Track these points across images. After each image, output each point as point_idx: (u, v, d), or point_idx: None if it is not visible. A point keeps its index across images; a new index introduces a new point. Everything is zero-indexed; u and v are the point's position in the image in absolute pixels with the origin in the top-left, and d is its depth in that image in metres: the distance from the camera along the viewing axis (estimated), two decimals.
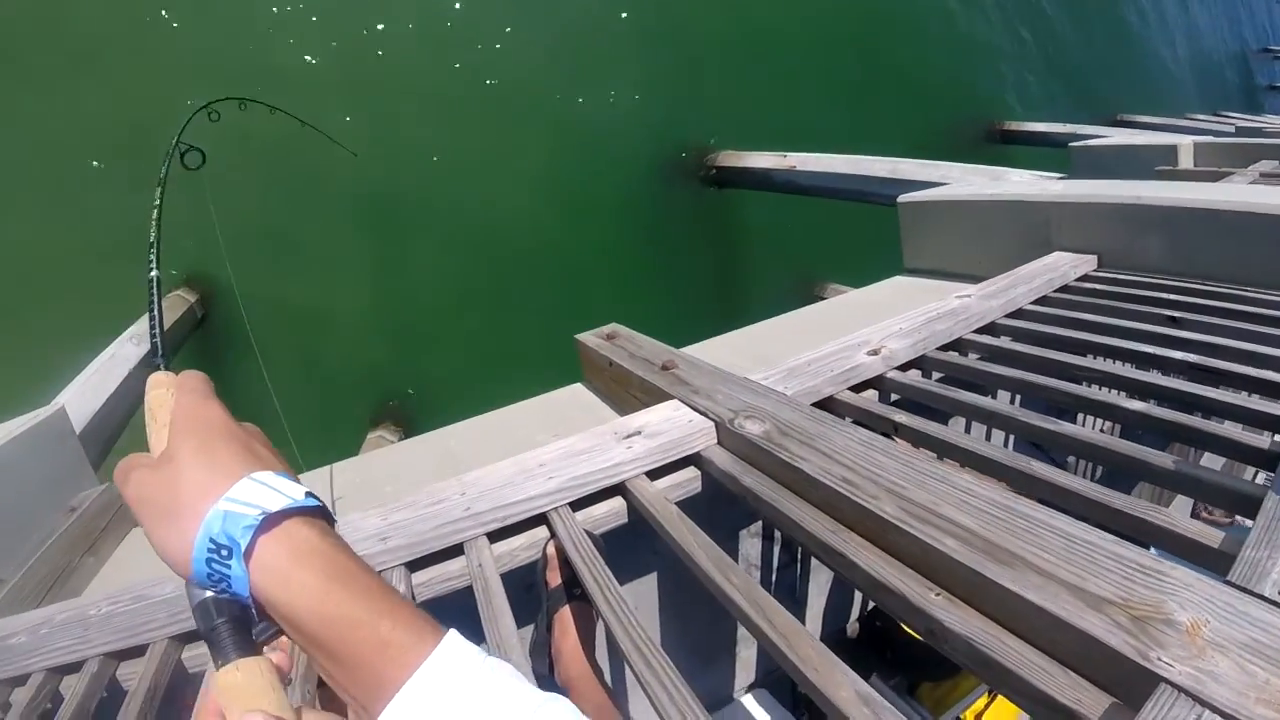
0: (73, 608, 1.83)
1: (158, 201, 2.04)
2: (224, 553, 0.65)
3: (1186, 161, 5.73)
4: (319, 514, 0.72)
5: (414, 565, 1.77)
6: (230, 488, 0.68)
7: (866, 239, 7.82)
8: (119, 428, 4.27)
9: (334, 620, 0.64)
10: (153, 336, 1.13)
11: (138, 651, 1.69)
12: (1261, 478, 1.63)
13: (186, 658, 1.69)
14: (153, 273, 1.40)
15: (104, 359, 4.50)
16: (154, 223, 1.93)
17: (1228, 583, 1.14)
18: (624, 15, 7.72)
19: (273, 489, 0.69)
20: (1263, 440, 1.65)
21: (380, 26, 6.51)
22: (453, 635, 0.67)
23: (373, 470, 2.87)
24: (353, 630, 0.64)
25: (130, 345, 4.75)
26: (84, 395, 3.98)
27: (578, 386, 3.30)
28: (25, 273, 5.76)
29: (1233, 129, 9.21)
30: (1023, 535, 1.26)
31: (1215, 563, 1.22)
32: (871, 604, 2.62)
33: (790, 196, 7.46)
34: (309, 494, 0.71)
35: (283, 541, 0.66)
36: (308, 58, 6.29)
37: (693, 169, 8.04)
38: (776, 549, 2.42)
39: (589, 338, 3.21)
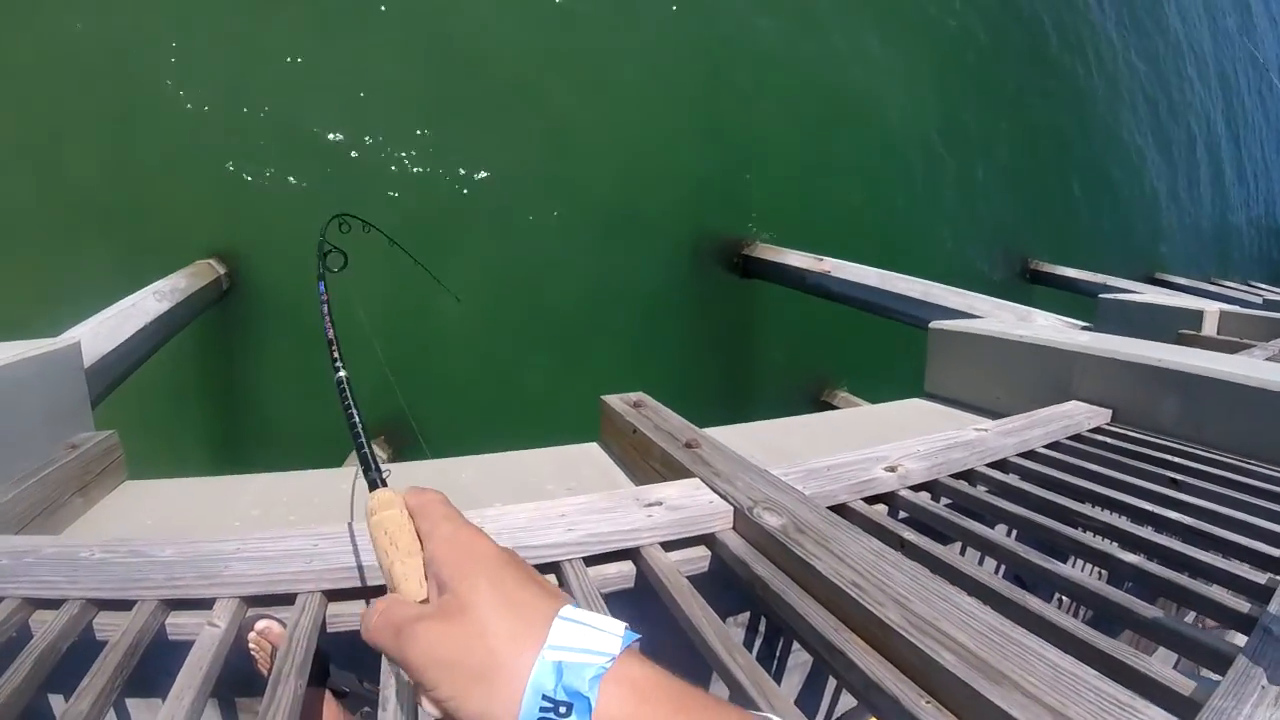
0: (62, 544, 1.87)
1: (325, 296, 2.05)
2: (562, 709, 0.59)
3: (1210, 328, 5.81)
4: (636, 644, 0.66)
5: None
6: (548, 634, 0.63)
7: (883, 354, 7.96)
8: (126, 374, 4.34)
9: None
10: (359, 447, 1.06)
11: (123, 605, 1.70)
12: (1238, 638, 1.73)
13: (171, 624, 1.71)
14: (340, 373, 1.40)
15: (124, 305, 4.54)
16: (327, 320, 1.95)
17: None
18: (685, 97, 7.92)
19: (593, 627, 0.64)
20: (1242, 605, 1.76)
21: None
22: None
23: None
24: None
25: (153, 299, 4.85)
26: (97, 336, 3.99)
27: (593, 445, 3.33)
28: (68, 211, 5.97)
29: (1260, 300, 9.31)
30: (1015, 659, 1.34)
31: (1185, 709, 1.32)
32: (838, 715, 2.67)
33: (814, 299, 7.55)
34: (628, 627, 0.66)
35: (624, 684, 0.61)
36: None
37: (726, 255, 8.16)
38: (758, 642, 2.44)
39: (615, 401, 3.26)
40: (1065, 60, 12.31)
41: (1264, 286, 14.57)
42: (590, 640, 0.62)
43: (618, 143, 7.49)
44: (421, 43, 6.65)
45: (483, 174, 6.89)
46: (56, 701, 1.76)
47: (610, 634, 0.64)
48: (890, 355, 7.50)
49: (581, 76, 7.31)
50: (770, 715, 0.68)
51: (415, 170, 6.66)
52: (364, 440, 1.11)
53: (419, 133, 6.66)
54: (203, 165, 6.21)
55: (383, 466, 1.04)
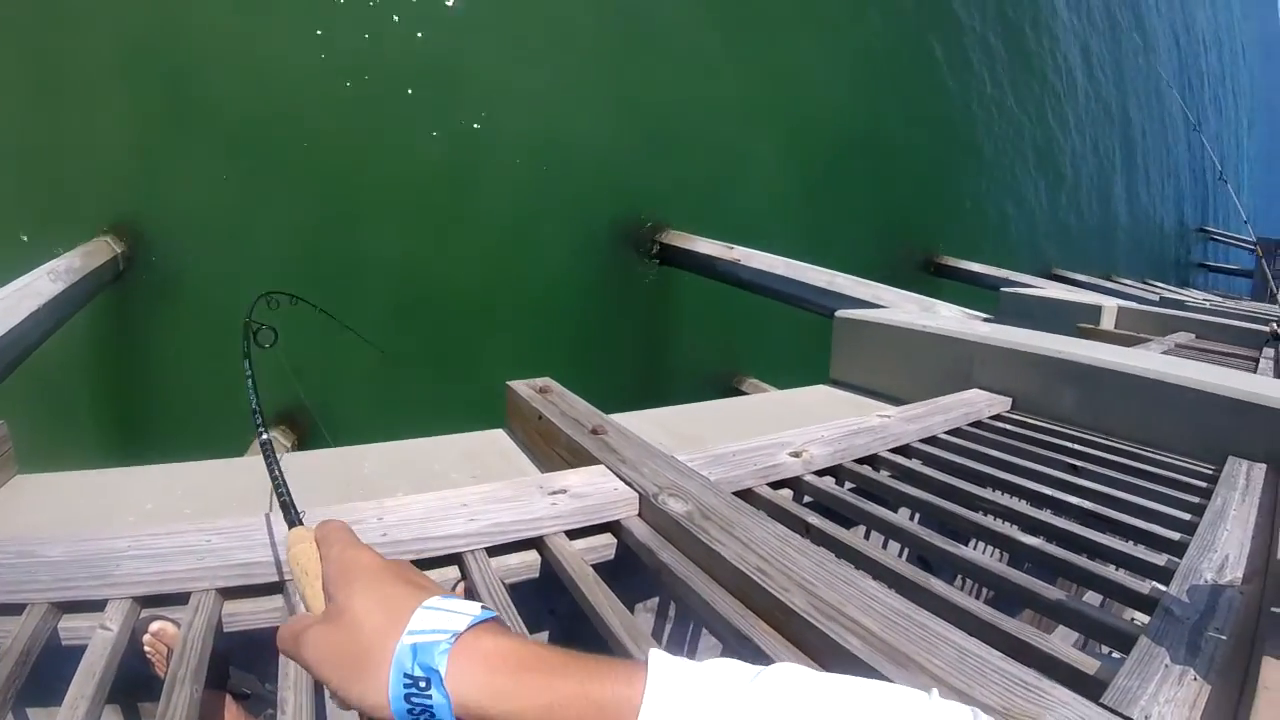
0: None
1: (249, 373, 2.10)
2: (422, 684, 0.67)
3: (1108, 322, 5.96)
4: (494, 621, 0.74)
5: None
6: (409, 622, 0.71)
7: (791, 341, 8.01)
8: (18, 360, 4.15)
9: (549, 707, 0.67)
10: (280, 495, 1.14)
11: (12, 610, 1.61)
12: (1137, 617, 1.75)
13: (64, 628, 1.63)
14: (263, 435, 1.46)
15: (15, 287, 4.38)
16: (251, 391, 1.98)
17: (1101, 705, 1.24)
18: (599, 73, 7.91)
19: (448, 611, 0.72)
20: (1143, 586, 1.78)
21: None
22: (654, 657, 0.69)
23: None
24: (569, 707, 0.67)
25: (47, 280, 4.66)
26: None
27: (498, 432, 3.29)
28: None
29: (1157, 298, 9.57)
30: (919, 642, 1.34)
31: (1090, 688, 1.32)
32: None
33: (725, 287, 7.59)
34: (483, 607, 0.74)
35: (474, 656, 0.69)
36: None
37: (639, 241, 8.16)
38: (669, 627, 2.43)
39: (521, 387, 3.23)
40: (976, 59, 12.53)
41: (1160, 284, 15.03)
42: (442, 622, 0.71)
43: (531, 127, 7.42)
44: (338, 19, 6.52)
45: (392, 158, 6.80)
46: None
47: (461, 614, 0.72)
48: (797, 343, 7.54)
49: (491, 61, 7.23)
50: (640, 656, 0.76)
51: (323, 155, 6.53)
52: (285, 490, 1.22)
53: (328, 120, 6.53)
54: (98, 129, 5.97)
55: (296, 504, 1.18)
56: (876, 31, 10.63)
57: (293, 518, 1.09)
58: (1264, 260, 15.16)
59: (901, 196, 11.15)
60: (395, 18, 6.67)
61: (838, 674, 0.72)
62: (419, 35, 6.81)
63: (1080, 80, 15.56)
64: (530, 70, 7.45)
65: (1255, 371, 4.65)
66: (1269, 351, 5.45)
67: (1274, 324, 5.90)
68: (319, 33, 6.40)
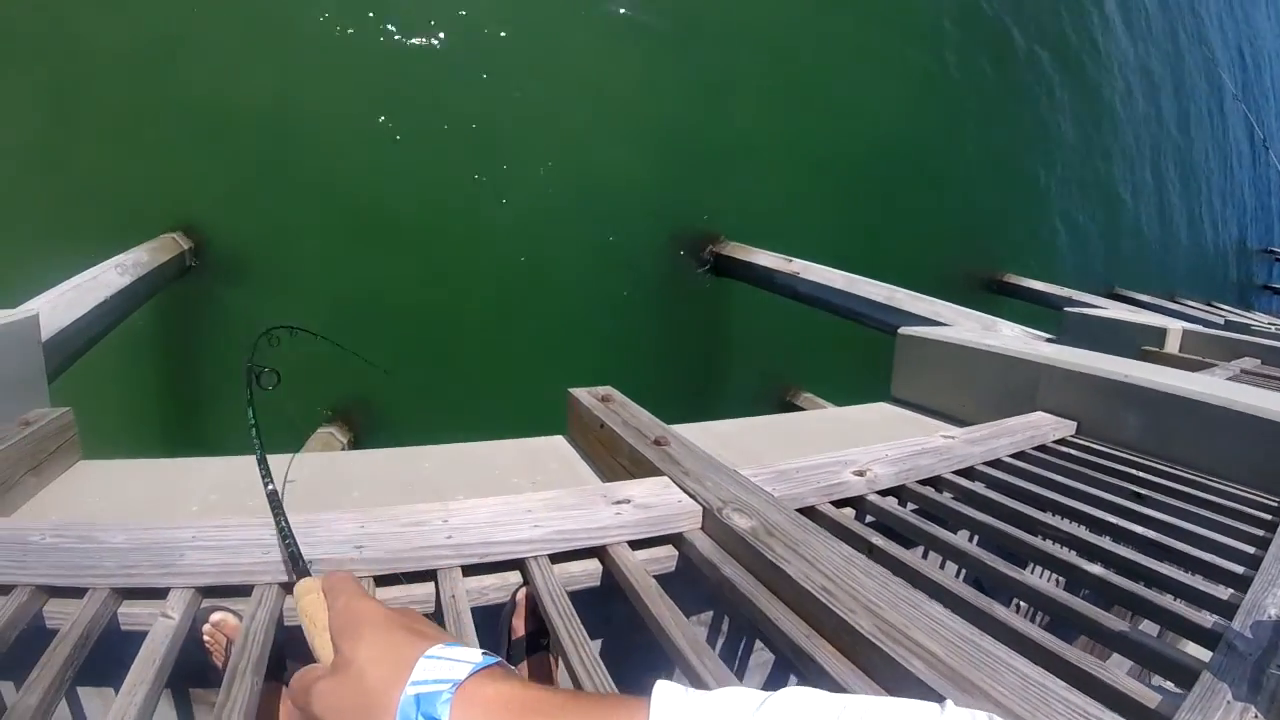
0: (12, 527, 1.82)
1: (253, 421, 2.09)
2: None
3: (1173, 345, 5.88)
4: (497, 666, 0.75)
5: (382, 580, 1.78)
6: (412, 672, 0.72)
7: (847, 356, 7.98)
8: (84, 349, 4.26)
9: None
10: (288, 546, 1.17)
11: (74, 593, 1.65)
12: (1194, 650, 1.75)
13: (123, 614, 1.66)
14: (270, 486, 1.47)
15: (84, 278, 4.46)
16: (256, 439, 2.00)
17: None
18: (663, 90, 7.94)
19: (451, 660, 0.73)
20: (1204, 619, 1.78)
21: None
22: (658, 691, 0.69)
23: (338, 471, 2.87)
24: None
25: (114, 273, 4.76)
26: (56, 309, 3.93)
27: (559, 439, 3.31)
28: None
29: (1222, 321, 9.40)
30: (984, 669, 1.34)
31: None
32: None
33: (778, 299, 7.56)
34: (485, 653, 0.76)
35: (476, 703, 0.70)
36: None
37: (695, 252, 8.16)
38: (721, 641, 2.43)
39: (583, 394, 3.25)
40: (1044, 74, 12.40)
41: (1226, 307, 14.75)
42: (444, 671, 0.72)
43: (591, 138, 7.47)
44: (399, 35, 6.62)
45: (456, 165, 6.86)
46: (5, 688, 1.71)
47: (462, 662, 0.73)
48: (854, 358, 7.51)
49: (555, 68, 7.29)
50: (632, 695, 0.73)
51: (393, 160, 6.63)
52: (293, 541, 1.25)
53: (385, 122, 6.62)
54: (172, 135, 6.14)
55: (304, 554, 1.28)
56: (940, 52, 10.54)
57: (301, 568, 1.12)
58: None
59: (962, 213, 11.02)
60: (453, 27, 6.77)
61: (850, 695, 0.75)
62: (488, 51, 6.90)
63: (1140, 100, 15.32)
64: (595, 88, 7.51)
65: None
66: None
67: None
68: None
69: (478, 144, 6.94)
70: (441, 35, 6.72)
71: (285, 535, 1.25)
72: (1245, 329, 7.81)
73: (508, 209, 7.08)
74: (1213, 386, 3.23)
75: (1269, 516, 2.49)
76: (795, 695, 0.69)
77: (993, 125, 11.39)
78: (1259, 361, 5.62)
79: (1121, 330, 6.20)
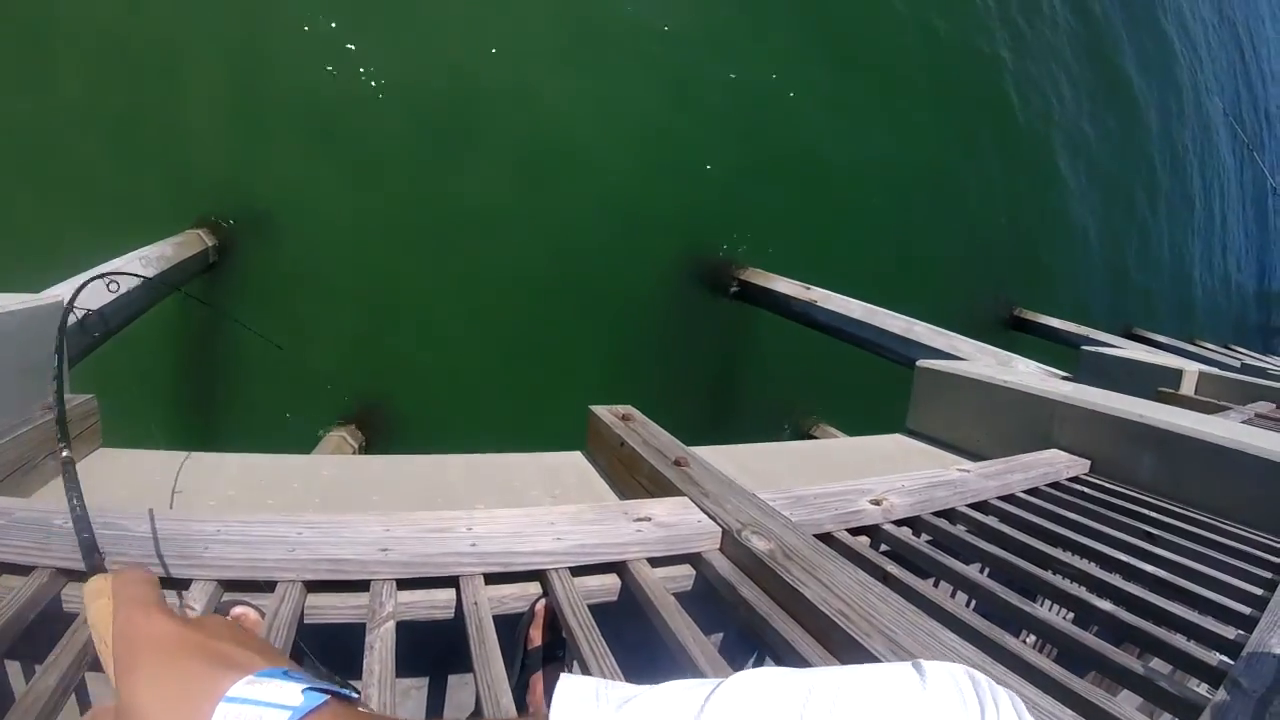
0: (35, 509, 1.82)
1: (56, 373, 1.96)
2: None
3: (1188, 387, 5.90)
4: (332, 703, 0.58)
5: (404, 584, 1.80)
6: None
7: (861, 386, 8.00)
8: (105, 337, 4.32)
9: None
10: (81, 534, 1.02)
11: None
12: (1204, 689, 1.78)
13: None
14: (65, 453, 1.34)
15: (109, 269, 4.31)
16: (54, 395, 1.87)
17: None
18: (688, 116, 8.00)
19: (261, 703, 0.56)
20: (1211, 657, 1.81)
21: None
22: (562, 690, 0.61)
23: (358, 473, 2.89)
24: None
25: (137, 264, 4.84)
26: (79, 297, 3.82)
27: (577, 455, 3.34)
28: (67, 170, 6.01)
29: (1238, 364, 9.41)
30: None
31: None
32: None
33: (797, 327, 7.61)
34: (308, 688, 0.57)
35: None
36: None
37: (719, 278, 8.21)
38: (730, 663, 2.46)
39: (603, 412, 3.28)
40: (1073, 110, 12.45)
41: (1243, 350, 14.71)
42: (251, 717, 0.55)
43: (618, 159, 7.54)
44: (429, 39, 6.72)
45: (479, 179, 6.94)
46: (14, 668, 1.71)
47: (278, 707, 0.55)
48: (868, 388, 7.54)
49: (583, 91, 7.37)
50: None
51: (424, 174, 6.72)
52: (85, 525, 1.07)
53: (417, 134, 6.71)
54: (202, 134, 6.26)
55: (99, 542, 1.04)
56: (966, 86, 10.60)
57: (93, 562, 0.93)
58: None
59: (982, 248, 11.07)
60: (493, 50, 6.84)
61: (814, 669, 0.63)
62: (508, 66, 6.98)
63: (1166, 143, 15.36)
64: (624, 108, 7.59)
65: None
66: None
67: None
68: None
69: (509, 162, 7.02)
70: (476, 59, 6.80)
71: (76, 515, 1.08)
72: (1262, 373, 7.82)
73: (534, 226, 7.15)
74: (1227, 429, 3.25)
75: (1277, 559, 2.52)
76: (749, 679, 0.61)
77: (1018, 161, 11.42)
78: (1274, 405, 5.64)
79: (1138, 371, 6.22)
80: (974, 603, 2.28)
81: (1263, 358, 13.61)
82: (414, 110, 6.68)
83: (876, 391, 6.84)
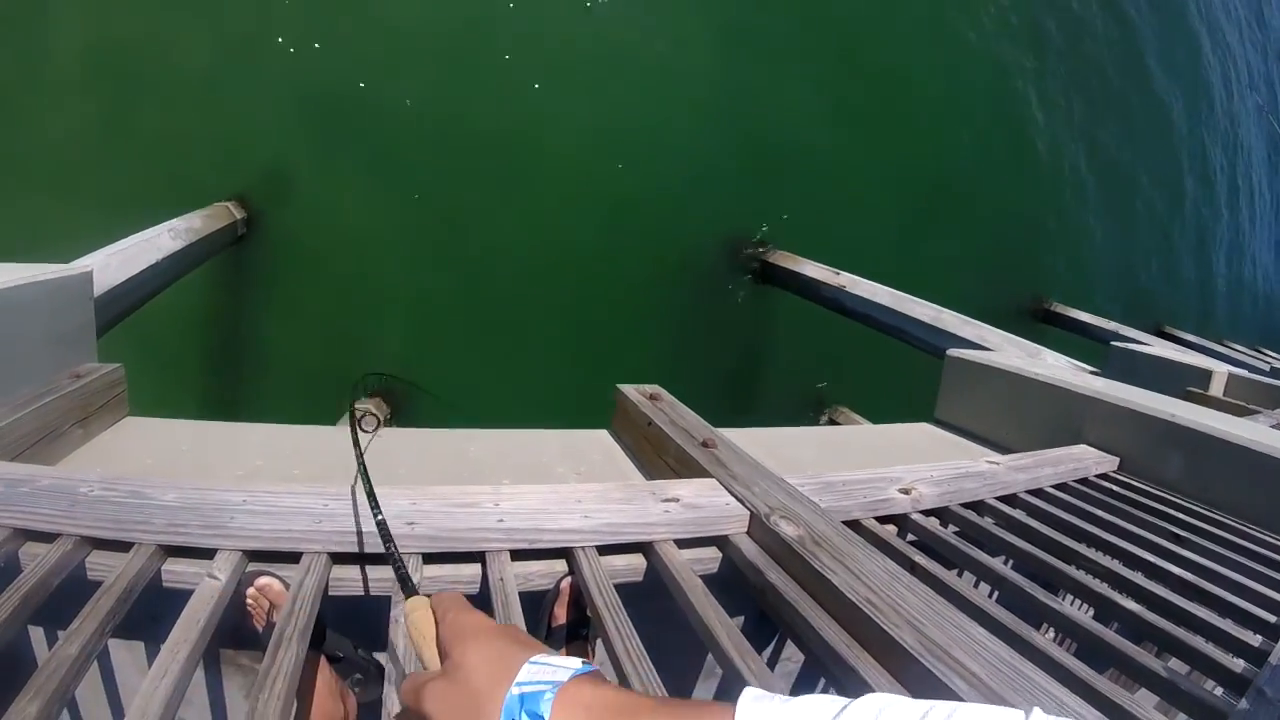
0: (60, 477, 1.84)
1: (361, 462, 2.04)
2: None
3: (1217, 389, 5.85)
4: (595, 673, 0.80)
5: (429, 558, 1.83)
6: (518, 674, 0.78)
7: (887, 373, 7.97)
8: (133, 308, 4.37)
9: None
10: (398, 569, 1.20)
11: (120, 546, 1.68)
12: (1222, 693, 1.78)
13: (168, 571, 1.69)
14: (378, 517, 1.46)
15: (138, 239, 4.57)
16: (361, 474, 1.82)
17: None
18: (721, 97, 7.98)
19: (553, 665, 0.79)
20: (1234, 663, 1.81)
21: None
22: (744, 699, 0.73)
23: (384, 446, 2.86)
24: None
25: (167, 236, 4.88)
26: (109, 267, 4.01)
27: (603, 433, 3.34)
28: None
29: (1268, 368, 9.32)
30: (1023, 692, 1.38)
31: None
32: None
33: (822, 310, 7.57)
34: (584, 661, 0.81)
35: (575, 703, 0.75)
36: None
37: (742, 259, 8.19)
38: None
39: (631, 391, 3.28)
40: (1113, 105, 12.33)
41: (1272, 354, 14.57)
42: (546, 674, 0.78)
43: (647, 138, 7.51)
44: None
45: (516, 162, 6.96)
46: (37, 635, 1.76)
47: (563, 668, 0.79)
48: (894, 375, 7.51)
49: (612, 70, 7.34)
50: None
51: (453, 153, 6.73)
52: (402, 565, 1.25)
53: (448, 113, 6.72)
54: (230, 108, 6.27)
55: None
56: (997, 78, 10.50)
57: (410, 589, 1.15)
58: None
59: (1012, 239, 10.97)
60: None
61: (932, 701, 0.71)
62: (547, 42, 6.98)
63: (1202, 141, 15.18)
64: (656, 92, 7.57)
65: None
66: None
67: None
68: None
69: (539, 143, 7.03)
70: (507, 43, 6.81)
71: (395, 560, 1.27)
72: None
73: (565, 204, 7.16)
74: (1257, 433, 3.21)
75: None
76: (877, 701, 0.71)
77: (1050, 153, 11.31)
78: None
79: (1165, 369, 6.17)
80: (996, 594, 2.28)
81: None
82: (446, 87, 6.70)
83: (899, 378, 6.83)
